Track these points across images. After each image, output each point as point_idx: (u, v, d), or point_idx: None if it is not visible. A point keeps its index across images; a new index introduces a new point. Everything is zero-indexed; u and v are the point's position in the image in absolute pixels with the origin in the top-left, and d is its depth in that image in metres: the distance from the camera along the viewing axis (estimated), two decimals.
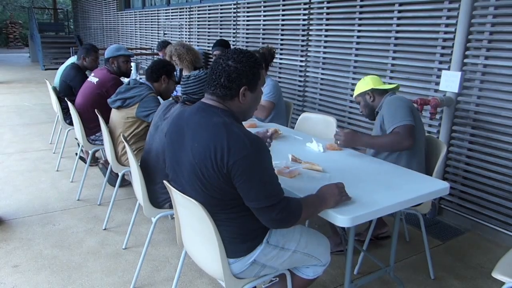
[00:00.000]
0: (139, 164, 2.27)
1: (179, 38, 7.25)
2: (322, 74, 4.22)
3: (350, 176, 2.00)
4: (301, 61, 4.48)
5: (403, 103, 2.32)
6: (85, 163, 3.76)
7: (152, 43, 8.49)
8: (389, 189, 1.84)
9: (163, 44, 5.13)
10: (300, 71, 4.52)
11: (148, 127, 2.80)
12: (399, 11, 3.40)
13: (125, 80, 3.63)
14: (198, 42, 6.63)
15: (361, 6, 3.72)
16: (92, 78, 3.42)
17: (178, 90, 4.22)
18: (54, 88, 4.19)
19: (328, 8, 4.08)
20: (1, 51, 20.13)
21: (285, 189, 1.82)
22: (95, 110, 2.91)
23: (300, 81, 4.54)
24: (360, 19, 3.75)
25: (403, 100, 2.35)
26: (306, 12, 4.33)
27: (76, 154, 3.93)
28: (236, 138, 1.38)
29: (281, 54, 4.79)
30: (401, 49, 3.42)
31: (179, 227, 1.82)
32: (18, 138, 5.09)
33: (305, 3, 4.35)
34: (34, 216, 3.08)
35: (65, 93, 3.99)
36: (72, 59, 4.73)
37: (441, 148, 2.41)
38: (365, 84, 2.51)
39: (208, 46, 6.32)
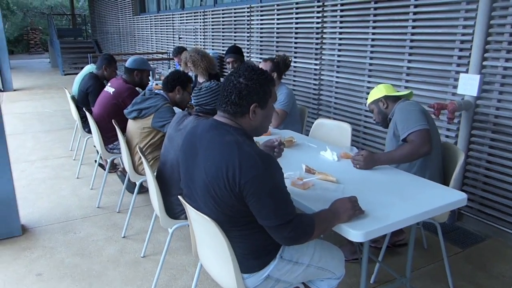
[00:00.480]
0: (155, 175, 2.32)
1: (194, 42, 7.31)
2: (337, 77, 4.20)
3: (363, 187, 1.99)
4: (316, 64, 4.46)
5: (415, 107, 2.33)
6: (104, 170, 3.84)
7: (167, 47, 8.58)
8: (403, 200, 1.82)
9: (179, 50, 5.18)
10: (315, 74, 4.50)
11: (164, 137, 2.84)
12: (414, 13, 3.35)
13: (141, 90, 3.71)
14: (212, 46, 6.66)
15: (375, 9, 3.68)
16: (109, 88, 3.49)
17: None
18: (73, 97, 4.28)
19: (341, 11, 4.05)
20: (23, 57, 20.67)
21: (298, 202, 1.85)
22: (112, 121, 2.97)
23: (315, 84, 4.52)
24: (374, 21, 3.71)
25: (414, 105, 2.36)
26: (320, 15, 4.31)
27: (95, 161, 4.01)
28: (248, 157, 1.39)
29: (295, 57, 4.78)
30: (417, 51, 3.37)
31: (195, 240, 1.84)
32: (40, 145, 5.22)
33: (318, 6, 4.32)
34: (56, 224, 3.17)
35: (83, 102, 4.07)
36: (90, 67, 4.83)
37: (459, 156, 2.37)
38: (378, 91, 2.52)
39: (223, 50, 6.35)
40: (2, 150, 2.77)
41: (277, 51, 5.09)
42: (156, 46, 9.25)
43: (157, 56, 8.99)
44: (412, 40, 3.40)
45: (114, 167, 4.18)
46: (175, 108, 3.03)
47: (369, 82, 3.84)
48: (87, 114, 3.41)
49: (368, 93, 3.83)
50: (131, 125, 2.92)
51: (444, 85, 3.19)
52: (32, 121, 6.60)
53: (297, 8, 4.67)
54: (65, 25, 21.91)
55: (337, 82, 4.22)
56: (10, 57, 18.08)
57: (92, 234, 3.02)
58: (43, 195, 3.72)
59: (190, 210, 1.64)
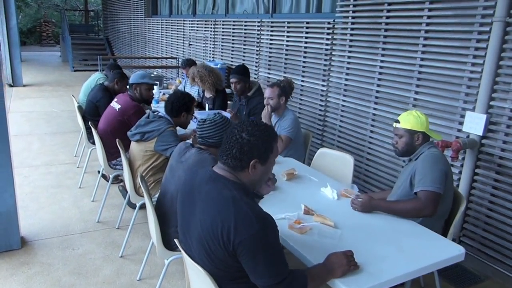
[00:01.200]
0: (154, 203, 2.33)
1: (203, 50, 7.32)
2: (343, 101, 4.19)
3: (361, 233, 1.99)
4: (323, 85, 4.45)
5: (441, 165, 2.19)
6: (107, 181, 3.85)
7: (177, 52, 8.61)
8: (400, 252, 1.82)
9: (188, 63, 5.20)
10: (321, 95, 4.49)
11: (166, 160, 2.86)
12: (424, 45, 3.33)
13: (149, 108, 3.72)
14: (222, 55, 6.67)
15: (385, 37, 3.67)
16: (115, 104, 3.51)
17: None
18: (79, 107, 4.30)
19: (351, 35, 4.04)
20: (35, 48, 20.83)
21: (294, 248, 1.85)
22: (117, 141, 2.99)
23: (321, 105, 4.51)
24: (383, 49, 3.70)
25: (441, 161, 2.21)
26: (329, 37, 4.30)
27: (99, 172, 4.03)
28: (244, 216, 1.40)
29: (303, 76, 4.77)
30: (425, 84, 3.36)
31: (189, 279, 1.85)
32: (45, 149, 5.26)
33: (328, 28, 4.32)
34: (55, 238, 3.19)
35: (90, 113, 4.10)
36: (97, 75, 4.87)
37: (461, 202, 2.35)
38: (419, 122, 2.29)
39: (231, 61, 6.36)
40: (6, 166, 2.79)
41: (285, 67, 5.09)
42: (166, 50, 9.28)
43: (166, 61, 9.03)
44: (420, 72, 3.38)
45: (116, 178, 4.20)
46: (178, 129, 3.06)
47: (375, 109, 3.82)
48: (92, 128, 3.44)
49: (374, 120, 3.84)
50: (134, 147, 2.94)
51: (450, 120, 3.17)
52: (39, 121, 6.65)
53: (307, 28, 4.66)
54: (77, 19, 22.04)
55: (343, 105, 4.21)
56: (22, 48, 18.24)
57: (90, 252, 3.04)
58: (45, 204, 3.75)
59: (185, 257, 1.64)
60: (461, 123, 3.07)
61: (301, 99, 4.83)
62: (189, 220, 1.57)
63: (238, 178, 1.54)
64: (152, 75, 6.23)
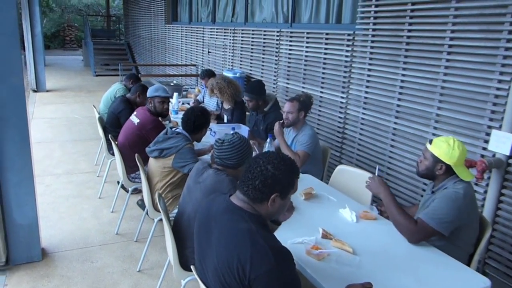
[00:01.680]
0: (173, 216, 2.34)
1: (222, 58, 7.35)
2: (363, 114, 4.13)
3: (380, 260, 1.96)
4: (342, 97, 4.40)
5: (458, 207, 2.06)
6: (127, 192, 3.88)
7: (196, 59, 8.66)
8: (419, 283, 1.77)
9: (206, 73, 5.22)
10: (341, 107, 4.44)
11: (184, 176, 2.86)
12: (447, 60, 3.25)
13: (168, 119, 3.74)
14: (241, 64, 6.68)
15: (407, 50, 3.60)
16: (134, 118, 3.54)
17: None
18: (100, 118, 4.36)
19: (372, 47, 3.98)
20: (58, 52, 21.31)
21: (311, 276, 1.82)
22: (136, 156, 3.01)
23: (340, 117, 4.46)
24: (405, 62, 3.62)
25: (461, 202, 2.07)
26: (349, 48, 4.25)
27: (118, 182, 4.07)
28: (260, 250, 1.38)
29: (322, 88, 4.73)
30: (448, 99, 3.27)
31: None
32: (66, 157, 5.36)
33: (348, 40, 4.26)
34: (75, 250, 3.23)
35: (112, 124, 4.15)
36: (117, 86, 4.93)
37: (486, 228, 2.27)
38: (449, 154, 2.12)
39: (251, 70, 6.36)
40: (28, 180, 2.84)
41: (304, 78, 5.06)
42: (186, 57, 9.35)
43: (186, 69, 9.09)
44: (443, 87, 3.30)
45: (136, 190, 4.23)
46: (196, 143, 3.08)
47: (395, 123, 3.75)
48: (112, 141, 3.48)
49: (394, 134, 3.77)
50: (152, 163, 2.96)
51: (475, 138, 3.08)
52: (60, 128, 6.78)
53: (327, 39, 4.62)
54: (99, 24, 22.46)
55: (363, 118, 4.14)
56: (46, 52, 18.72)
57: (108, 265, 3.07)
58: (65, 215, 3.81)
59: (201, 285, 1.63)
60: (486, 141, 2.98)
61: (320, 110, 4.78)
62: (205, 250, 1.56)
63: (255, 210, 1.53)
64: (172, 83, 6.28)
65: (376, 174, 2.40)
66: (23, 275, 2.87)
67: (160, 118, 3.66)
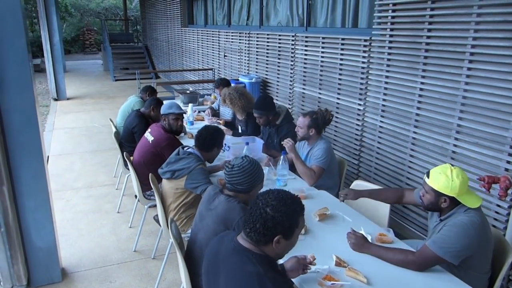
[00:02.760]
0: (187, 236, 2.32)
1: (238, 62, 7.30)
2: (381, 122, 4.01)
3: None
4: (359, 104, 4.30)
5: (468, 234, 1.94)
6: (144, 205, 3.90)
7: (213, 63, 8.65)
8: None
9: (221, 82, 5.18)
10: (358, 114, 4.34)
11: (197, 196, 2.84)
12: (469, 69, 3.11)
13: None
14: (257, 69, 6.62)
15: (426, 57, 3.47)
16: (148, 136, 3.54)
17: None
18: (117, 133, 4.39)
19: (389, 54, 3.85)
20: (78, 57, 21.73)
21: None
22: (149, 176, 3.01)
23: (357, 125, 4.36)
24: (424, 70, 3.50)
25: (469, 231, 1.95)
26: (366, 54, 4.13)
27: (136, 196, 4.09)
28: None
29: (338, 94, 4.63)
30: (470, 110, 3.14)
31: None
32: (86, 169, 5.44)
33: (365, 46, 4.15)
34: (94, 270, 3.26)
35: (127, 139, 4.17)
36: (134, 99, 4.95)
37: (509, 253, 2.16)
38: (449, 186, 2.00)
39: (267, 74, 6.30)
40: (45, 204, 2.88)
41: (320, 84, 4.96)
42: (202, 60, 9.35)
43: (203, 73, 9.09)
44: (464, 97, 3.16)
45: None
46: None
47: (415, 132, 3.63)
48: (127, 161, 3.49)
49: (414, 144, 3.65)
50: (165, 183, 2.94)
51: (499, 150, 2.94)
52: (80, 138, 6.89)
53: (342, 44, 4.51)
54: (118, 27, 22.75)
55: (381, 126, 4.03)
56: (67, 57, 19.09)
57: (126, 285, 3.09)
58: (85, 231, 3.85)
59: None
60: (510, 155, 2.85)
61: (337, 117, 4.69)
62: None
63: (262, 251, 1.49)
64: (188, 91, 6.27)
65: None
66: None
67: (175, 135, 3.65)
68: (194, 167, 2.78)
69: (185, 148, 2.96)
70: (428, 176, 2.10)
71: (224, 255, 1.55)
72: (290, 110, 5.59)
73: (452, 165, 2.11)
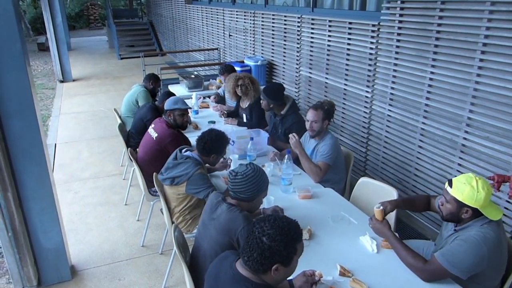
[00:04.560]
0: (193, 236, 2.33)
1: (244, 42, 7.14)
2: (389, 110, 3.91)
3: None
4: (367, 91, 4.18)
5: (480, 253, 1.88)
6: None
7: (218, 42, 8.47)
8: None
9: (226, 69, 5.09)
10: (366, 102, 4.23)
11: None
12: (481, 60, 2.98)
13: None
14: (262, 50, 6.46)
15: (436, 46, 3.32)
16: (152, 132, 3.50)
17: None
18: (121, 126, 4.35)
19: (398, 40, 3.71)
20: (83, 33, 21.49)
21: None
22: (153, 176, 2.99)
23: (365, 112, 4.26)
24: (434, 59, 3.36)
25: (482, 248, 1.88)
26: (374, 40, 3.98)
27: None
28: None
29: (346, 80, 4.51)
30: (481, 103, 3.03)
31: None
32: (93, 158, 5.45)
33: (373, 31, 3.99)
34: (103, 267, 3.31)
35: (137, 129, 4.13)
36: (137, 88, 4.88)
37: None
38: (474, 198, 1.91)
39: (272, 56, 6.15)
40: (51, 208, 2.89)
41: (327, 68, 4.83)
42: (208, 39, 9.17)
43: (208, 53, 8.91)
44: (476, 89, 3.05)
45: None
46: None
47: (424, 123, 3.54)
48: (131, 157, 3.47)
49: (422, 135, 3.56)
50: (167, 188, 2.92)
51: (510, 146, 2.86)
52: (87, 123, 6.88)
53: (350, 28, 4.35)
54: (122, 1, 22.32)
55: (389, 115, 3.94)
56: (72, 33, 18.88)
57: (135, 282, 3.14)
58: (93, 226, 3.90)
59: None
60: None
61: (344, 104, 4.59)
62: None
63: (261, 279, 1.47)
64: (192, 76, 6.17)
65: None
66: None
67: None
68: (192, 173, 2.73)
69: (183, 151, 2.90)
70: (450, 185, 2.00)
71: (224, 283, 1.54)
72: (296, 95, 5.51)
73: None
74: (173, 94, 4.11)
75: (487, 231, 1.92)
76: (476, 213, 1.96)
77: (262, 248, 1.42)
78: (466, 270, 1.91)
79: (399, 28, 3.67)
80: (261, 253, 1.43)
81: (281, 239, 1.43)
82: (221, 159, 3.06)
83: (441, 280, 2.00)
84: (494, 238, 1.91)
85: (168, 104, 3.48)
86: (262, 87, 4.31)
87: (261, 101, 3.93)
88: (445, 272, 1.94)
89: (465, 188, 1.94)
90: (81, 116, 7.26)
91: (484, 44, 2.94)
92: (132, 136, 4.27)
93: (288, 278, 1.92)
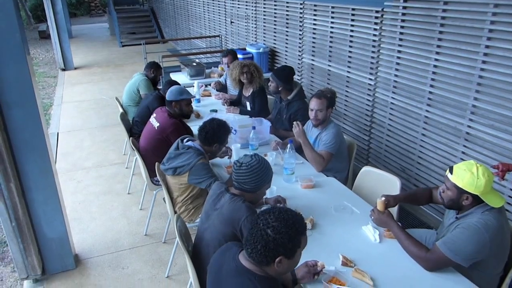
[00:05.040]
0: (195, 225, 2.34)
1: (246, 29, 7.06)
2: (393, 98, 3.87)
3: None
4: (370, 79, 4.14)
5: (481, 240, 1.88)
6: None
7: (220, 29, 8.39)
8: None
9: (229, 51, 5.03)
10: (369, 89, 4.19)
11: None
12: (487, 46, 2.93)
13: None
14: (264, 37, 6.40)
15: (441, 32, 3.27)
16: (154, 121, 3.48)
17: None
18: (123, 115, 4.33)
19: (402, 27, 3.65)
20: (85, 20, 21.34)
21: None
22: (156, 166, 2.99)
23: (368, 100, 4.22)
24: (438, 46, 3.31)
25: (483, 235, 1.88)
26: (377, 27, 3.92)
27: None
28: None
29: (349, 67, 4.46)
30: (486, 90, 2.99)
31: None
32: (96, 147, 5.46)
33: (376, 17, 3.93)
34: (106, 256, 3.34)
35: (143, 118, 4.09)
36: (138, 77, 4.85)
37: None
38: (474, 184, 1.92)
39: (275, 43, 6.09)
40: (54, 198, 2.90)
41: (330, 56, 4.78)
42: (209, 26, 9.08)
43: (210, 40, 8.83)
44: (481, 76, 3.01)
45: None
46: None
47: (427, 111, 3.50)
48: (134, 147, 3.47)
49: (426, 123, 3.53)
50: (169, 178, 2.91)
51: None
52: (89, 112, 6.88)
53: (353, 15, 4.28)
54: None
55: (392, 103, 3.90)
56: (73, 20, 18.77)
57: (138, 271, 3.16)
58: (96, 215, 3.92)
59: None
60: None
61: (347, 91, 4.55)
62: None
63: (264, 271, 1.47)
64: (194, 63, 6.12)
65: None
66: (58, 285, 3.01)
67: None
68: (194, 163, 2.72)
69: (184, 141, 2.89)
70: (451, 172, 2.01)
71: (226, 275, 1.54)
72: (300, 82, 5.46)
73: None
74: (177, 83, 4.06)
75: (489, 218, 1.91)
76: (477, 200, 1.96)
77: (266, 240, 1.42)
78: (468, 258, 1.90)
79: (403, 14, 3.61)
80: (265, 245, 1.42)
81: (286, 231, 1.42)
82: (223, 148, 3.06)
83: (443, 269, 2.00)
84: (495, 225, 1.90)
85: (173, 95, 3.44)
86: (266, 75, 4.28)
87: (270, 83, 3.90)
88: (447, 261, 1.94)
89: (465, 175, 1.94)
90: (83, 105, 7.25)
91: (490, 30, 2.88)
92: (136, 124, 4.25)
93: None
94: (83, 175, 4.70)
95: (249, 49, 6.18)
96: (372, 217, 2.29)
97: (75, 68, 9.96)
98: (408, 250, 2.09)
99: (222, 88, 5.17)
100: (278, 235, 1.41)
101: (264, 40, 6.40)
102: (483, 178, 1.91)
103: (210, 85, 5.34)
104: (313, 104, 3.16)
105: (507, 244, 2.03)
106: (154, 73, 4.86)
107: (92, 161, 5.05)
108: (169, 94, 3.46)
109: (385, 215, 2.24)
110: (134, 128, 4.27)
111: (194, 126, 3.53)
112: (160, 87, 4.80)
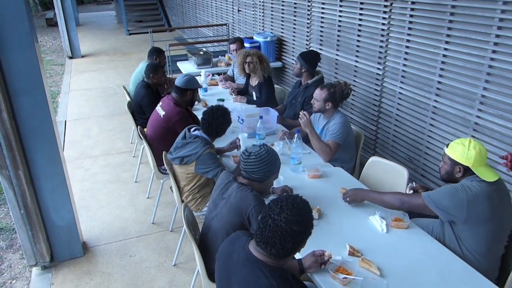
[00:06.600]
0: (202, 214, 2.36)
1: (253, 17, 7.00)
2: (401, 88, 3.84)
3: (406, 284, 1.89)
4: (378, 68, 4.10)
5: (458, 197, 2.04)
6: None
7: (227, 18, 8.33)
8: None
9: (237, 38, 4.99)
10: (377, 79, 4.15)
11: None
12: (497, 36, 2.88)
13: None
14: (272, 26, 6.34)
15: (450, 21, 3.22)
16: (160, 110, 3.48)
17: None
18: (130, 104, 4.34)
19: (411, 16, 3.60)
20: (91, 8, 21.30)
21: None
22: (163, 154, 3.00)
23: (376, 89, 4.19)
24: (448, 35, 3.27)
25: (459, 194, 2.03)
26: (386, 16, 3.87)
27: None
28: None
29: (357, 56, 4.42)
30: (496, 80, 2.95)
31: None
32: (103, 135, 5.49)
33: (385, 6, 3.87)
34: (114, 244, 3.38)
35: (137, 111, 4.14)
36: (144, 65, 4.83)
37: None
38: (465, 156, 2.07)
39: (282, 32, 6.04)
40: (62, 185, 2.93)
41: (338, 45, 4.74)
42: (216, 14, 9.01)
43: (217, 29, 8.77)
44: (491, 66, 2.97)
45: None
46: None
47: (436, 101, 3.47)
48: (141, 134, 3.48)
49: (434, 113, 3.50)
50: (176, 168, 2.92)
51: None
52: (96, 100, 6.90)
53: (361, 3, 4.23)
54: None
55: (400, 93, 3.87)
56: (80, 8, 18.74)
57: (145, 259, 3.19)
58: (104, 203, 3.95)
59: None
60: None
61: (355, 81, 4.51)
62: None
63: (276, 264, 1.48)
64: (201, 52, 6.10)
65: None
66: (67, 272, 3.05)
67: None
68: (201, 153, 2.73)
69: (192, 130, 2.90)
70: (447, 147, 2.19)
71: (236, 264, 1.54)
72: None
73: (473, 136, 2.15)
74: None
75: (473, 184, 2.05)
76: (470, 173, 2.10)
77: (292, 235, 1.44)
78: (445, 211, 2.07)
79: (412, 3, 3.56)
80: (293, 241, 1.45)
81: (305, 224, 1.46)
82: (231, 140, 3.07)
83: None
84: (477, 191, 2.02)
85: (190, 83, 3.40)
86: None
87: (294, 65, 3.98)
88: (424, 208, 2.14)
89: (458, 147, 2.11)
90: (91, 93, 7.27)
91: (501, 19, 2.83)
92: (135, 118, 4.26)
93: (297, 258, 1.94)
94: (91, 163, 4.73)
95: (256, 37, 6.13)
96: (348, 198, 2.44)
97: (82, 56, 9.98)
98: (391, 204, 2.28)
99: (229, 79, 5.15)
100: (302, 227, 1.45)
101: (272, 29, 6.35)
102: (474, 150, 2.06)
103: (218, 74, 5.32)
104: (314, 92, 3.19)
105: (491, 218, 2.06)
106: (158, 59, 4.83)
107: (99, 150, 5.08)
108: (185, 83, 3.41)
109: (354, 192, 2.45)
110: (137, 119, 4.27)
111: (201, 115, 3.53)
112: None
